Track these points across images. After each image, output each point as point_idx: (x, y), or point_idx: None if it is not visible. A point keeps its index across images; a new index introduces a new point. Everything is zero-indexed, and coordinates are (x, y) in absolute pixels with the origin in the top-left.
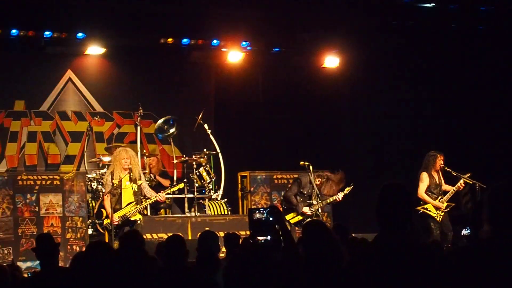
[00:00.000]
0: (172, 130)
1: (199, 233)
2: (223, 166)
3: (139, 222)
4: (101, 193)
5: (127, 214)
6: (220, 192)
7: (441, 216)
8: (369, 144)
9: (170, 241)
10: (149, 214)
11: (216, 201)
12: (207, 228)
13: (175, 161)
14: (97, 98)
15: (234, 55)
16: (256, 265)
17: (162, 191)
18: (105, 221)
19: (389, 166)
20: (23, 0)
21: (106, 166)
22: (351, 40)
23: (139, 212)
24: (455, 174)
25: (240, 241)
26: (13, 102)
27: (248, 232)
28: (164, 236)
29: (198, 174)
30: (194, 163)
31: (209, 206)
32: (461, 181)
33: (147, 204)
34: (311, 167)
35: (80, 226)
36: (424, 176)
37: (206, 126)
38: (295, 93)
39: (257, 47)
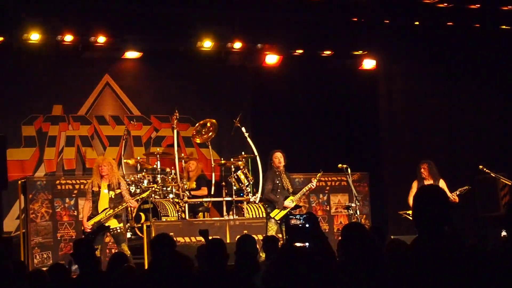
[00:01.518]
0: (210, 134)
1: (238, 237)
2: (261, 169)
3: (115, 231)
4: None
5: (101, 220)
6: (258, 195)
7: None
8: (406, 146)
9: (211, 245)
10: (187, 217)
11: (254, 204)
12: (245, 231)
13: (213, 165)
14: (135, 102)
15: (271, 58)
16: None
17: (132, 197)
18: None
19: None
20: (61, 5)
21: (144, 170)
22: (388, 41)
23: (118, 220)
24: (493, 175)
25: (279, 244)
26: (51, 106)
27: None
28: (203, 239)
29: (236, 177)
30: (232, 166)
31: (247, 209)
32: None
33: (119, 211)
34: (349, 170)
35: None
36: (413, 184)
37: (243, 129)
38: (332, 96)
39: (294, 50)
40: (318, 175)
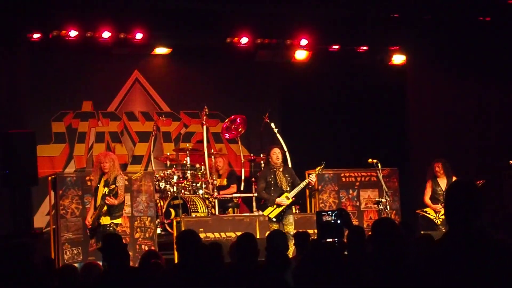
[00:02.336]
0: (239, 130)
1: (268, 232)
2: (290, 164)
3: (109, 228)
4: (169, 192)
5: (96, 217)
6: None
7: (441, 219)
8: (435, 141)
9: (242, 240)
10: (217, 213)
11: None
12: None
13: (242, 160)
14: (164, 98)
15: (300, 54)
16: (326, 264)
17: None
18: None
19: (456, 164)
20: (91, 1)
21: (174, 166)
22: (418, 36)
23: (109, 217)
24: None
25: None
26: (81, 103)
27: (316, 230)
28: (232, 235)
29: None
30: (261, 162)
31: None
32: None
33: (102, 207)
34: (379, 165)
35: (149, 226)
36: (427, 184)
37: (272, 125)
38: (362, 91)
39: (323, 45)
40: (318, 168)
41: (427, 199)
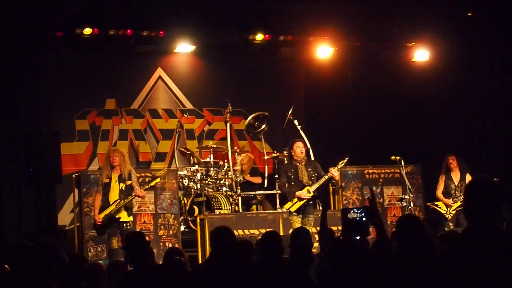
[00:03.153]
0: (262, 127)
1: (292, 229)
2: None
3: (125, 226)
4: (192, 190)
5: (111, 212)
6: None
7: (451, 214)
8: (459, 138)
9: (266, 237)
10: (240, 210)
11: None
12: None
13: (265, 157)
14: (187, 96)
15: (323, 51)
16: (349, 261)
17: (141, 187)
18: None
19: (481, 161)
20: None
21: (197, 164)
22: (441, 32)
23: (128, 212)
24: None
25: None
26: (104, 100)
27: (340, 227)
28: (256, 232)
29: None
30: (285, 159)
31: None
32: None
33: (129, 201)
34: (402, 162)
35: (172, 223)
36: (440, 178)
37: (296, 122)
38: (385, 88)
39: (346, 42)
40: (341, 163)
41: (439, 193)
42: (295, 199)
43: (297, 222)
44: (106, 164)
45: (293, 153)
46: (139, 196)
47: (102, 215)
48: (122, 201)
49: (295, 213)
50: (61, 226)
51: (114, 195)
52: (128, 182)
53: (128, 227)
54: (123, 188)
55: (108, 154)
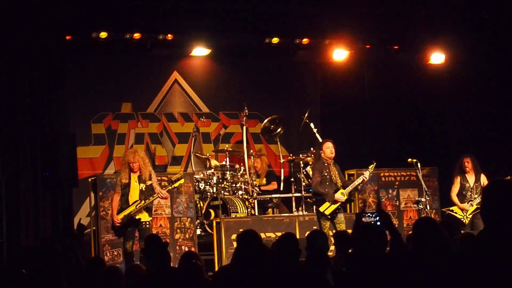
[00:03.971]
0: (278, 130)
1: (308, 232)
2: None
3: (145, 225)
4: (208, 193)
5: (131, 213)
6: None
7: (468, 219)
8: (476, 141)
9: (283, 239)
10: (257, 213)
11: None
12: (315, 227)
13: (281, 161)
14: (203, 99)
15: (339, 54)
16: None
17: (163, 188)
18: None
19: (496, 163)
20: (129, 3)
21: (213, 168)
22: (457, 35)
23: (148, 212)
24: None
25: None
26: (120, 104)
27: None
28: (272, 235)
29: (305, 173)
30: (301, 162)
31: None
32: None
33: (150, 202)
34: (419, 164)
35: (189, 227)
36: (455, 180)
37: (312, 125)
38: (401, 90)
39: (362, 45)
40: (371, 167)
41: (454, 196)
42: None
43: (326, 226)
44: (125, 166)
45: (322, 153)
46: (162, 198)
47: (121, 215)
48: (143, 201)
49: (328, 217)
50: (77, 229)
51: (134, 195)
52: (148, 183)
53: (148, 225)
54: (143, 189)
55: (127, 158)
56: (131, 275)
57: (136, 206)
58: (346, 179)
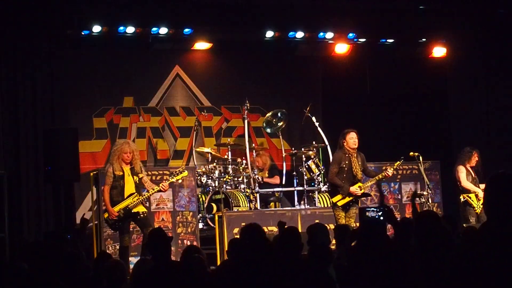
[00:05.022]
0: (280, 124)
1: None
2: (332, 158)
3: (142, 215)
4: (210, 187)
5: (129, 206)
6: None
7: (481, 208)
8: (477, 135)
9: (286, 233)
10: (259, 207)
11: (326, 194)
12: (317, 221)
13: (284, 154)
14: (205, 93)
15: (341, 47)
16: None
17: (164, 181)
18: (105, 215)
19: (498, 157)
20: None
21: (215, 161)
22: (459, 29)
23: (142, 205)
24: None
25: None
26: (122, 98)
27: (357, 224)
28: (274, 229)
29: (307, 167)
30: (303, 156)
31: (318, 198)
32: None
33: (149, 195)
34: (421, 158)
35: (191, 221)
36: (462, 169)
37: (314, 119)
38: (402, 84)
39: (364, 38)
40: (396, 164)
41: (466, 182)
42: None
43: (342, 217)
44: (117, 157)
45: (345, 143)
46: (163, 190)
47: (117, 208)
48: (146, 194)
49: (341, 208)
50: (80, 224)
51: (129, 188)
52: (141, 175)
53: (145, 214)
54: (137, 182)
55: (122, 149)
56: (139, 269)
57: (132, 199)
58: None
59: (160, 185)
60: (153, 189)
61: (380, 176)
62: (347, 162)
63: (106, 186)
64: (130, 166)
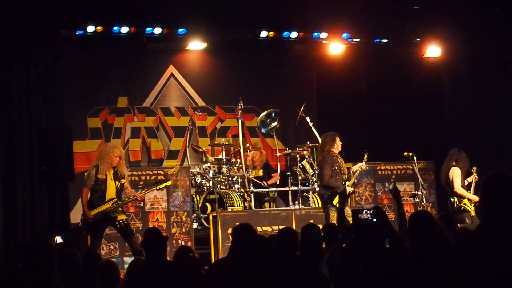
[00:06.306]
0: (274, 124)
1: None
2: (321, 162)
3: (122, 223)
4: (205, 187)
5: (107, 210)
6: None
7: (474, 211)
8: (471, 135)
9: (283, 234)
10: (253, 207)
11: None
12: (311, 221)
13: (278, 154)
14: (199, 93)
15: (335, 47)
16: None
17: (145, 189)
18: (82, 217)
19: (492, 157)
20: None
21: (210, 161)
22: (453, 29)
23: (123, 212)
24: None
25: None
26: (117, 98)
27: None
28: (269, 229)
29: (301, 166)
30: (297, 156)
31: (313, 198)
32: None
33: (126, 203)
34: (415, 158)
35: (185, 221)
36: (458, 171)
37: (308, 119)
38: (397, 84)
39: (359, 38)
40: (365, 157)
41: (460, 187)
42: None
43: (334, 217)
44: (106, 160)
45: (334, 147)
46: (137, 199)
47: (95, 211)
48: (120, 201)
49: (334, 208)
50: (74, 224)
51: (110, 193)
52: (123, 181)
53: (126, 222)
54: (119, 187)
55: (115, 153)
56: (133, 268)
57: (112, 204)
58: None
59: (138, 194)
60: (129, 198)
61: (359, 171)
62: (337, 164)
63: (85, 188)
64: (113, 171)
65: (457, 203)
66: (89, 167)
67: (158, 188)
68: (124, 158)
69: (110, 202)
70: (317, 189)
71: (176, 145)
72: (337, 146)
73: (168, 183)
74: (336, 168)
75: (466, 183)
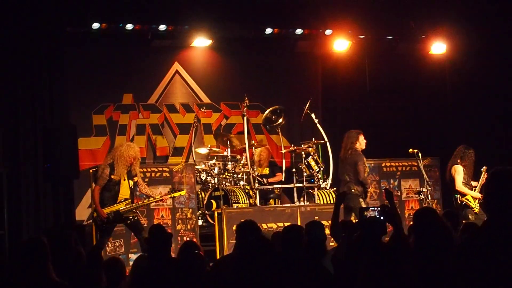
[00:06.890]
0: (280, 120)
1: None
2: (331, 155)
3: (132, 219)
4: (210, 184)
5: (120, 210)
6: (329, 181)
7: (478, 208)
8: (477, 132)
9: (289, 231)
10: (258, 204)
11: (325, 190)
12: (316, 218)
13: (283, 151)
14: (204, 90)
15: (341, 44)
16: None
17: (166, 194)
18: (94, 214)
19: (497, 154)
20: None
21: (215, 158)
22: (458, 25)
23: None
24: None
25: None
26: (122, 95)
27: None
28: (274, 226)
29: (306, 163)
30: (302, 152)
31: (318, 195)
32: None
33: (146, 204)
34: (420, 155)
35: (190, 218)
36: (460, 169)
37: (313, 115)
38: (402, 81)
39: (364, 35)
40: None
41: (461, 185)
42: None
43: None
44: (122, 163)
45: (358, 145)
46: (163, 201)
47: (108, 210)
48: (134, 204)
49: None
50: (79, 221)
51: (124, 193)
52: (135, 179)
53: (136, 217)
54: (132, 186)
55: (126, 153)
56: (138, 265)
57: (125, 205)
58: None
59: (164, 196)
60: (154, 198)
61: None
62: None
63: (97, 186)
64: (127, 170)
65: (460, 199)
66: (94, 164)
67: (172, 196)
68: (139, 158)
69: (123, 202)
70: (322, 185)
71: (181, 142)
72: (360, 144)
73: (183, 192)
74: (366, 165)
75: (475, 184)
